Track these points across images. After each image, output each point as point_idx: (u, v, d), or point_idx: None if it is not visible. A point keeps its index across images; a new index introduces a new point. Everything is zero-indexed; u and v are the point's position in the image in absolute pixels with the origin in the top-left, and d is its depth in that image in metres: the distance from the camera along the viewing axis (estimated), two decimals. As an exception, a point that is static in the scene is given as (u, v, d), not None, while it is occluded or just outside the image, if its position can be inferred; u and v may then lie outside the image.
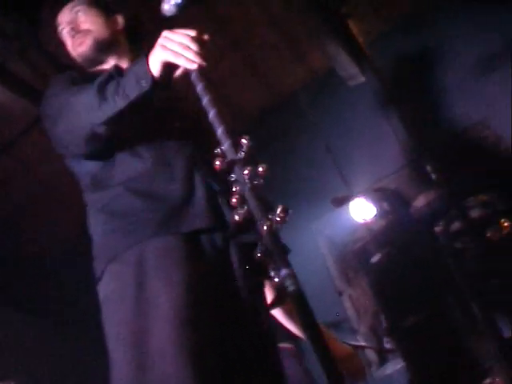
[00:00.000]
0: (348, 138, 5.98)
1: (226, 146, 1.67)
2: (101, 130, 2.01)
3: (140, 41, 2.60)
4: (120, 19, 2.52)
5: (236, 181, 1.64)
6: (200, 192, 2.13)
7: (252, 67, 6.28)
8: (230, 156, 1.64)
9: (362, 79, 6.20)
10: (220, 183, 2.13)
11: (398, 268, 4.81)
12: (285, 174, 5.76)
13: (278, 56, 6.22)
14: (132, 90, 1.94)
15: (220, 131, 1.70)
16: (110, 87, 1.98)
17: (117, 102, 1.94)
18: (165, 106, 2.33)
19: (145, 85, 1.93)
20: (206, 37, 1.93)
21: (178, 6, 1.90)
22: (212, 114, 1.74)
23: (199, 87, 1.83)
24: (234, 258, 2.12)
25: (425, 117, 5.76)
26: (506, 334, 4.37)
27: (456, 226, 4.67)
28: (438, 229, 4.79)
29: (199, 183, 2.16)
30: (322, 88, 6.33)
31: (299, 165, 6.23)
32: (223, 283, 2.07)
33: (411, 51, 6.10)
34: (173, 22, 1.96)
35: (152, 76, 1.92)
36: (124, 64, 2.42)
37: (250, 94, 6.55)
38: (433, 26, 6.04)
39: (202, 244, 2.08)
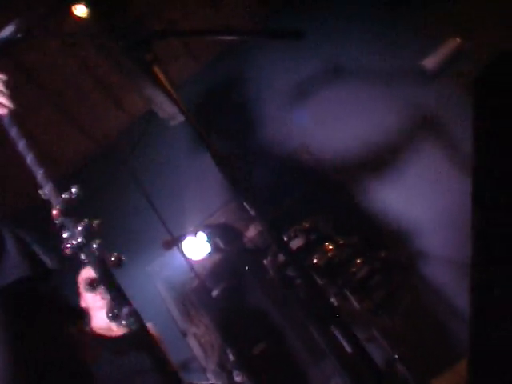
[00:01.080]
0: (175, 177, 6.01)
1: (47, 189, 1.61)
2: None
3: None
4: None
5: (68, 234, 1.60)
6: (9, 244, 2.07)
7: (68, 116, 6.10)
8: (53, 200, 1.59)
9: (183, 118, 6.26)
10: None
11: (237, 301, 4.88)
12: (113, 223, 5.64)
13: (94, 103, 6.13)
14: None
15: (40, 175, 1.64)
16: None
17: None
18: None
19: None
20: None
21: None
22: (29, 159, 1.69)
23: (13, 132, 1.76)
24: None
25: (242, 148, 5.98)
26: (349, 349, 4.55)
27: (281, 257, 4.76)
28: (266, 261, 4.86)
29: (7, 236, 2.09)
30: (143, 131, 6.32)
31: (126, 211, 6.13)
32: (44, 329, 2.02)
33: (226, 85, 6.30)
34: None
35: None
36: None
37: (70, 144, 6.35)
38: (246, 58, 6.28)
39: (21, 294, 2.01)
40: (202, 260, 5.40)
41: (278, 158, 5.94)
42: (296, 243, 4.65)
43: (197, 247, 5.30)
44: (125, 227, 5.85)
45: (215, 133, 6.04)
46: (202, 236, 5.31)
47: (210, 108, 6.24)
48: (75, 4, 5.04)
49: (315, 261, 4.44)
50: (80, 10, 5.05)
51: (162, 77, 2.34)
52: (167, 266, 5.92)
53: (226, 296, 5.07)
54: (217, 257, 5.32)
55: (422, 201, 5.41)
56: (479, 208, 1.93)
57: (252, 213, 2.06)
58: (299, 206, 5.69)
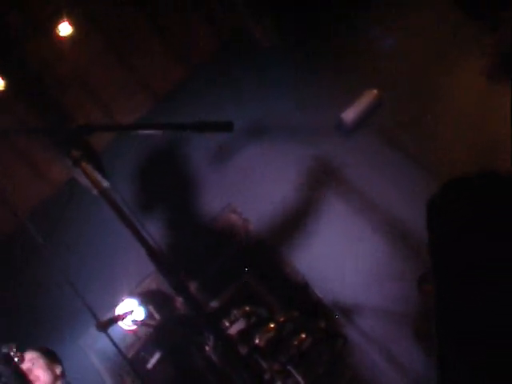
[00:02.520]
0: (104, 244, 5.88)
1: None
2: None
3: None
4: None
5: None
6: None
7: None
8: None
9: (106, 184, 6.18)
10: None
11: (174, 370, 4.77)
12: (38, 299, 5.51)
13: (17, 175, 6.01)
14: None
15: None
16: None
17: None
18: None
19: None
20: None
21: None
22: None
23: None
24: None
25: (168, 211, 5.95)
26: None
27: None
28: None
29: None
30: (67, 200, 6.19)
31: (49, 286, 5.95)
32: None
33: (152, 145, 6.30)
34: None
35: None
36: None
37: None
38: (171, 117, 6.22)
39: None
40: (136, 329, 5.28)
41: (205, 220, 5.91)
42: (237, 327, 4.59)
43: (130, 316, 5.18)
44: (51, 303, 5.68)
45: (141, 198, 6.01)
46: (134, 304, 5.21)
47: (135, 171, 6.22)
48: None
49: (257, 341, 4.40)
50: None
51: (89, 172, 2.32)
52: (100, 337, 5.75)
53: (162, 366, 4.96)
54: (150, 326, 5.20)
55: (348, 260, 5.46)
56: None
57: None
58: (227, 269, 5.70)
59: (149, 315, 5.24)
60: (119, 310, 5.25)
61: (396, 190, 5.48)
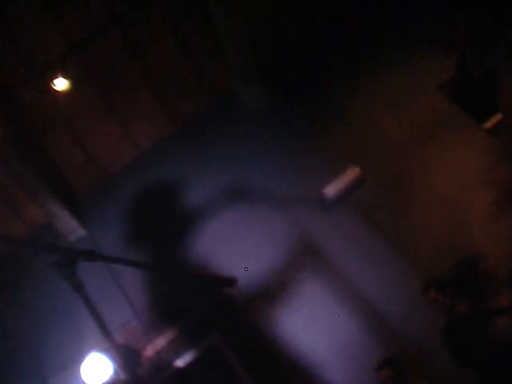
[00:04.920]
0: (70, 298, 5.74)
1: None
2: None
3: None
4: None
5: None
6: None
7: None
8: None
9: (82, 232, 6.16)
10: None
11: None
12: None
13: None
14: None
15: None
16: None
17: None
18: None
19: None
20: None
21: None
22: None
23: None
24: None
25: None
26: None
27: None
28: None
29: None
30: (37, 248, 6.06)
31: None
32: None
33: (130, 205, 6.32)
34: None
35: None
36: None
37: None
38: (147, 177, 6.38)
39: None
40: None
41: (184, 272, 5.84)
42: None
43: (96, 371, 5.07)
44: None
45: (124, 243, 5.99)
46: (101, 359, 5.11)
47: (113, 221, 6.21)
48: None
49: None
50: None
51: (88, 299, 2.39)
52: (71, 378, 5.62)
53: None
54: (119, 380, 5.10)
55: (318, 334, 5.41)
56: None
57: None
58: (201, 323, 5.65)
59: (116, 370, 5.13)
60: (85, 365, 5.14)
61: (369, 268, 5.55)
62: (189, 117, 6.66)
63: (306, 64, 6.68)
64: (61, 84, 5.44)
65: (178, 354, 5.62)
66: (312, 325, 5.42)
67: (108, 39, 5.63)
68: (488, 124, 6.20)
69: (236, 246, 5.87)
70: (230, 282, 2.22)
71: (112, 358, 5.20)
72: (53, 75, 5.37)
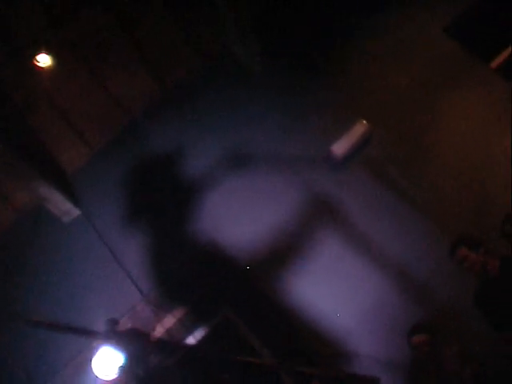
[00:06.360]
0: (75, 281, 5.44)
1: None
2: None
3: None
4: None
5: None
6: None
7: None
8: None
9: (77, 212, 5.80)
10: None
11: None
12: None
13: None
14: None
15: None
16: None
17: None
18: None
19: None
20: None
21: None
22: None
23: None
24: None
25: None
26: None
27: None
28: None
29: None
30: (33, 229, 5.73)
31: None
32: None
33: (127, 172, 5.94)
34: None
35: None
36: None
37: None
38: (146, 142, 6.01)
39: None
40: (115, 379, 4.83)
41: (190, 247, 5.53)
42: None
43: (106, 363, 4.72)
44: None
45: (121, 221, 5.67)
46: (110, 350, 4.76)
47: (110, 198, 5.84)
48: None
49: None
50: None
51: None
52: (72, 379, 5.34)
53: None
54: (129, 371, 4.78)
55: (338, 297, 5.15)
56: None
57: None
58: (211, 297, 5.31)
59: (127, 358, 4.82)
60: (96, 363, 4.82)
61: (390, 227, 5.25)
62: (184, 82, 6.25)
63: (307, 23, 6.21)
64: (44, 60, 5.28)
65: (189, 331, 5.37)
66: (332, 289, 5.15)
67: (92, 10, 5.33)
68: (496, 62, 5.95)
69: (243, 216, 5.55)
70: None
71: (120, 348, 4.91)
72: (35, 51, 5.20)
